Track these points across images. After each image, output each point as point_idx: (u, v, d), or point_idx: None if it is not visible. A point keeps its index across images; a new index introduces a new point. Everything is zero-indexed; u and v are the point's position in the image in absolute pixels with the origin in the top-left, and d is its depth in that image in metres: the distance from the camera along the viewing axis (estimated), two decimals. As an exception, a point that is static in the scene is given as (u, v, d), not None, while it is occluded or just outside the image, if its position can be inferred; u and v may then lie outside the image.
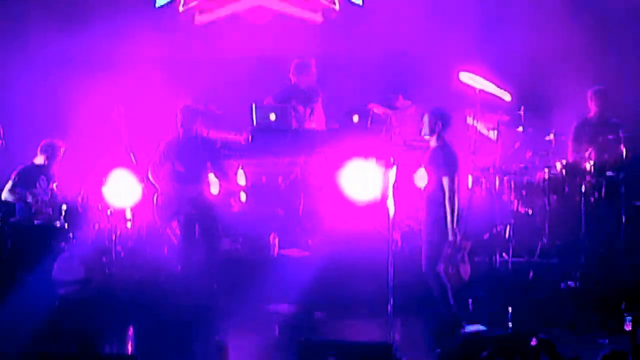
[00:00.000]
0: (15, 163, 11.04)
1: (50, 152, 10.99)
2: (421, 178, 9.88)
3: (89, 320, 9.80)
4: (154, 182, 10.41)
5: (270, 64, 12.58)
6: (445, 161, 9.38)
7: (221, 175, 10.46)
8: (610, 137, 10.82)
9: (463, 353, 7.43)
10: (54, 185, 10.84)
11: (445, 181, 9.33)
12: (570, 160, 11.08)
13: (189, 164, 10.26)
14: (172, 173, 10.32)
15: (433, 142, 9.47)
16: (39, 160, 10.99)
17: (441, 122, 9.43)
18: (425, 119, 9.48)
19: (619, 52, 12.52)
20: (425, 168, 9.54)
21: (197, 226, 10.35)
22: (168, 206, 10.32)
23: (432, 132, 9.44)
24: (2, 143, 11.24)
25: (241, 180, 11.09)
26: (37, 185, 10.82)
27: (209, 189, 10.39)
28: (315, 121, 11.38)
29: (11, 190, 10.83)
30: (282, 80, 11.91)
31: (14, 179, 10.86)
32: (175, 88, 11.58)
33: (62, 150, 11.04)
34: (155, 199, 10.30)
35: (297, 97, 11.39)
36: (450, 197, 9.32)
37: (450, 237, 9.34)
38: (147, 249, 11.07)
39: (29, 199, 10.73)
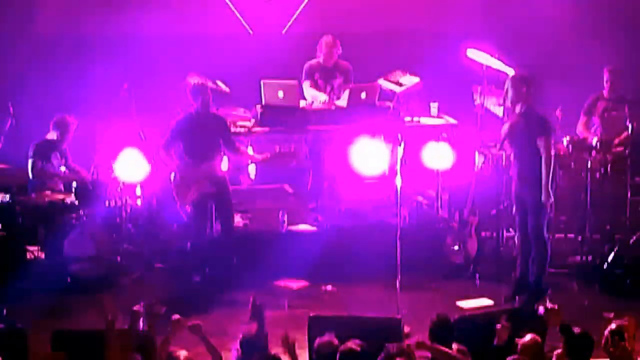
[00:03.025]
0: (25, 140, 11.03)
1: (63, 128, 10.91)
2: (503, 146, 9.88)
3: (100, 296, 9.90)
4: (164, 161, 10.31)
5: (279, 41, 12.63)
6: (538, 123, 9.44)
7: (233, 151, 10.47)
8: (617, 112, 10.86)
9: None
10: (69, 160, 10.88)
11: (542, 142, 9.40)
12: (578, 132, 11.14)
13: (203, 141, 10.25)
14: (185, 150, 10.26)
15: (519, 108, 9.51)
16: (52, 135, 10.91)
17: (526, 86, 9.48)
18: (508, 85, 9.52)
19: (629, 28, 12.52)
20: (516, 135, 9.55)
21: (211, 203, 10.39)
22: (184, 184, 10.29)
23: (519, 99, 9.48)
24: (12, 121, 11.23)
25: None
26: (52, 160, 10.85)
27: (221, 166, 10.40)
28: (336, 98, 11.38)
29: (33, 168, 10.77)
30: (290, 57, 11.98)
31: (33, 155, 10.78)
32: (183, 65, 11.61)
33: (74, 126, 10.97)
34: (172, 177, 10.26)
35: (318, 73, 11.46)
36: (547, 158, 9.38)
37: (544, 198, 9.42)
38: (157, 225, 11.14)
39: (48, 176, 10.76)
